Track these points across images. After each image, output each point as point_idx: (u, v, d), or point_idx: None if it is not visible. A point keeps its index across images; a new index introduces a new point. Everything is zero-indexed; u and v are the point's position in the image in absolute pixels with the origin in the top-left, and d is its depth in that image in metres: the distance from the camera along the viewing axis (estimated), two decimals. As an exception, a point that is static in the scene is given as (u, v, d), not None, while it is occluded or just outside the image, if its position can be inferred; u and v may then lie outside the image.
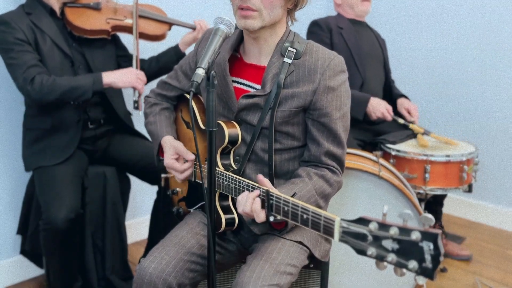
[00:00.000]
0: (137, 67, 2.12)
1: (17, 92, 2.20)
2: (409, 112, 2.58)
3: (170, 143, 1.51)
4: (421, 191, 2.26)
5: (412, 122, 2.53)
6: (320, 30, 2.55)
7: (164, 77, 1.67)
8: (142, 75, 2.07)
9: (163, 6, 2.34)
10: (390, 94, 2.69)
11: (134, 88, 2.06)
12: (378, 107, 2.40)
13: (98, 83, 1.93)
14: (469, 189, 2.35)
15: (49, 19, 2.00)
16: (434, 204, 2.58)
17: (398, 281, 1.97)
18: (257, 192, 1.21)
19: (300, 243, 1.39)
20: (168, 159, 1.49)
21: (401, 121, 2.46)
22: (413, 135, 2.49)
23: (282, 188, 1.30)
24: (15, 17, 1.91)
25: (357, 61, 2.52)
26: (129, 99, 2.41)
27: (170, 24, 2.29)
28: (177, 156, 1.50)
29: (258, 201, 1.21)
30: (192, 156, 1.47)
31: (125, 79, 2.00)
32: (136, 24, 2.12)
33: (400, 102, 2.64)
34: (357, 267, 1.96)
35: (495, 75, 2.99)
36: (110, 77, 1.96)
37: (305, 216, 1.09)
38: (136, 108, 2.12)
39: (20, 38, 1.88)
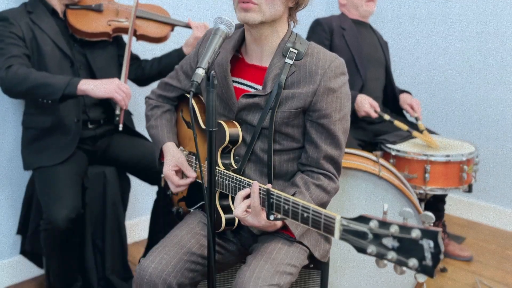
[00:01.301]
0: (126, 68, 2.07)
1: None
2: (412, 108, 2.58)
3: (172, 153, 1.52)
4: (421, 191, 2.26)
5: (416, 118, 2.53)
6: (321, 31, 2.55)
7: (164, 78, 1.67)
8: (125, 87, 1.94)
9: (163, 6, 2.34)
10: (393, 96, 2.69)
11: (115, 101, 1.95)
12: (362, 106, 2.41)
13: (71, 87, 1.82)
14: (469, 189, 2.35)
15: (50, 19, 2.00)
16: (435, 202, 2.58)
17: (398, 281, 1.97)
18: (245, 191, 1.24)
19: (300, 243, 1.39)
20: (168, 170, 1.50)
21: (386, 117, 2.44)
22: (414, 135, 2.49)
23: None
24: (15, 14, 1.92)
25: (358, 63, 2.52)
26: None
27: (172, 25, 2.28)
28: (177, 168, 1.51)
29: (256, 199, 1.21)
30: (194, 174, 1.49)
31: (102, 89, 1.87)
32: (132, 26, 2.11)
33: (403, 98, 2.63)
34: (357, 267, 1.96)
35: (495, 76, 2.99)
36: (88, 84, 1.85)
37: (305, 214, 1.09)
38: (117, 122, 2.02)
39: (15, 33, 1.88)
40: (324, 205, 1.40)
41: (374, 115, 2.41)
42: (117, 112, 2.03)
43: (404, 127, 2.41)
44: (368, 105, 2.40)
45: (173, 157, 1.51)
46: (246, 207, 1.25)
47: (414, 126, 2.52)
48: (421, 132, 2.45)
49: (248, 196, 1.26)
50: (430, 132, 2.57)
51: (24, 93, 1.84)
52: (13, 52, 1.85)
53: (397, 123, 2.42)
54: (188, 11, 2.69)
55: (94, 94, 1.86)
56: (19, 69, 1.81)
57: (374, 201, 1.94)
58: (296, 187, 1.35)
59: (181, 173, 1.52)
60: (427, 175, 2.23)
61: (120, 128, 2.05)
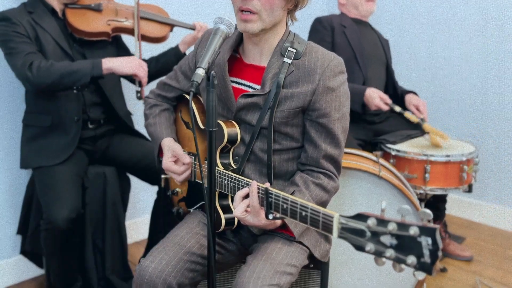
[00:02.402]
0: (139, 48, 2.10)
1: (18, 91, 2.21)
2: (418, 109, 2.57)
3: (168, 146, 1.52)
4: (421, 191, 2.26)
5: (422, 119, 2.50)
6: (322, 29, 2.55)
7: (163, 78, 1.68)
8: (144, 64, 2.03)
9: (163, 6, 2.35)
10: (395, 94, 2.69)
11: (136, 78, 2.02)
12: (372, 100, 2.38)
13: (97, 68, 1.89)
14: (469, 189, 2.35)
15: (50, 18, 2.01)
16: (436, 202, 2.57)
17: (398, 280, 1.97)
18: (244, 191, 1.24)
19: (300, 243, 1.39)
20: (166, 162, 1.50)
21: (397, 108, 2.42)
22: (414, 135, 2.49)
23: None
24: (16, 14, 1.93)
25: (359, 60, 2.51)
26: (129, 98, 2.41)
27: (171, 26, 2.28)
28: (175, 159, 1.51)
29: (255, 198, 1.22)
30: (188, 160, 1.48)
31: (127, 65, 1.95)
32: (137, 26, 2.12)
33: (409, 98, 2.62)
34: (357, 267, 1.96)
35: (496, 75, 2.99)
36: (111, 63, 1.92)
37: (304, 213, 1.09)
38: (140, 98, 2.10)
39: (20, 32, 1.90)
40: (324, 204, 1.39)
41: (385, 108, 2.39)
42: (138, 88, 2.08)
43: (415, 119, 2.41)
44: (378, 98, 2.38)
45: (169, 149, 1.51)
46: (245, 207, 1.25)
47: (418, 127, 2.52)
48: (424, 134, 2.45)
49: (247, 196, 1.26)
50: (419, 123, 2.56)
51: (51, 85, 1.86)
52: (27, 49, 1.88)
53: (408, 115, 2.41)
54: (187, 12, 2.70)
55: (119, 71, 1.94)
56: (41, 63, 1.84)
57: (374, 201, 1.94)
58: (296, 186, 1.35)
59: (180, 163, 1.51)
60: (427, 175, 2.23)
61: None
